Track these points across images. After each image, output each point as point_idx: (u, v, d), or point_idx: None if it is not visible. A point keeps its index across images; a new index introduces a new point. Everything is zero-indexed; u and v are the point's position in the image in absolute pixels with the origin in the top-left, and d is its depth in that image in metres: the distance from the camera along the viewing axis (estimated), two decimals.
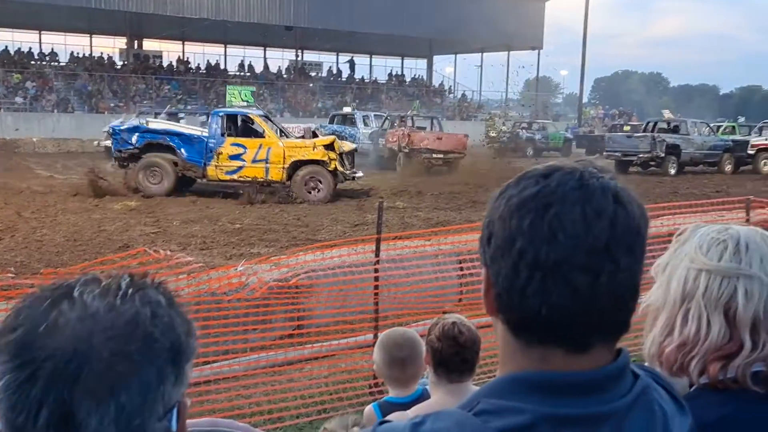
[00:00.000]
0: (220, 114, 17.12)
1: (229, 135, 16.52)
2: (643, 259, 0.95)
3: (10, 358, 0.77)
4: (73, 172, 21.05)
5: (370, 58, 52.95)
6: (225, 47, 48.52)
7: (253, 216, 13.45)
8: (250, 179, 16.16)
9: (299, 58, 50.33)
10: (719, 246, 1.28)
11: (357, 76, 51.83)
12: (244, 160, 16.23)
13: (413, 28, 42.87)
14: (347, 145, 18.35)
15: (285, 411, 4.68)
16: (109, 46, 46.66)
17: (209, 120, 17.03)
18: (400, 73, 54.19)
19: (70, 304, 0.80)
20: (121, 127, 16.59)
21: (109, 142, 20.71)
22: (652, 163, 24.39)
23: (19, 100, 35.73)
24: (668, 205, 9.37)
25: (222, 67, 47.91)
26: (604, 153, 27.09)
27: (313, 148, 16.63)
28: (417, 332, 2.86)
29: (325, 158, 16.32)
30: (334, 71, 51.85)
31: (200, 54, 48.55)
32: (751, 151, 25.50)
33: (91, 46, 45.64)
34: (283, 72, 49.27)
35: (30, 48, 43.11)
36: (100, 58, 45.03)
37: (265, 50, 49.33)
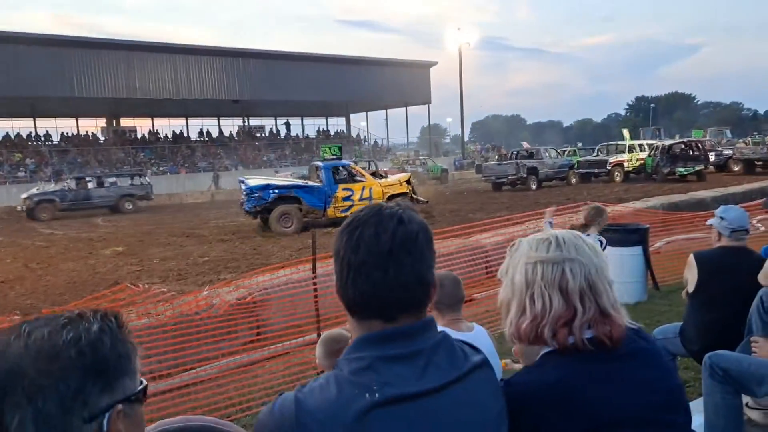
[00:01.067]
0: (330, 167, 16.60)
1: (338, 182, 16.34)
2: (424, 258, 1.11)
3: None
4: (69, 229, 20.16)
5: (302, 119, 52.73)
6: (186, 119, 47.44)
7: (218, 250, 13.14)
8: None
9: (246, 124, 49.78)
10: (545, 243, 1.34)
11: (292, 134, 51.55)
12: (353, 200, 16.12)
13: (334, 95, 43.11)
14: (404, 176, 18.25)
15: (252, 401, 4.56)
16: (93, 126, 44.96)
17: (322, 173, 16.44)
18: (325, 128, 54.16)
19: (17, 337, 0.83)
20: (256, 187, 15.70)
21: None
22: (518, 182, 24.98)
23: (21, 174, 34.08)
24: (533, 212, 9.67)
25: (185, 135, 46.84)
26: (482, 177, 27.72)
27: (400, 184, 17.10)
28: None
29: (407, 190, 17.02)
30: (274, 131, 51.42)
31: (167, 126, 47.31)
32: (608, 167, 26.48)
33: (77, 127, 43.89)
34: (234, 135, 48.52)
35: (29, 132, 41.15)
36: (86, 135, 43.32)
37: (218, 119, 48.50)
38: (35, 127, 41.67)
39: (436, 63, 50.45)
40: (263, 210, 15.58)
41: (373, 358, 1.05)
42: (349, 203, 16.03)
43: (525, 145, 39.10)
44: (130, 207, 26.46)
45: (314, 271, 5.36)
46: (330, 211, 15.95)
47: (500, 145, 56.18)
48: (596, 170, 26.83)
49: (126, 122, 45.96)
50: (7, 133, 40.15)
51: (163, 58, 36.85)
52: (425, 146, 56.87)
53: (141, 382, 0.91)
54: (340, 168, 16.97)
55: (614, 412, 1.21)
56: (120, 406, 0.86)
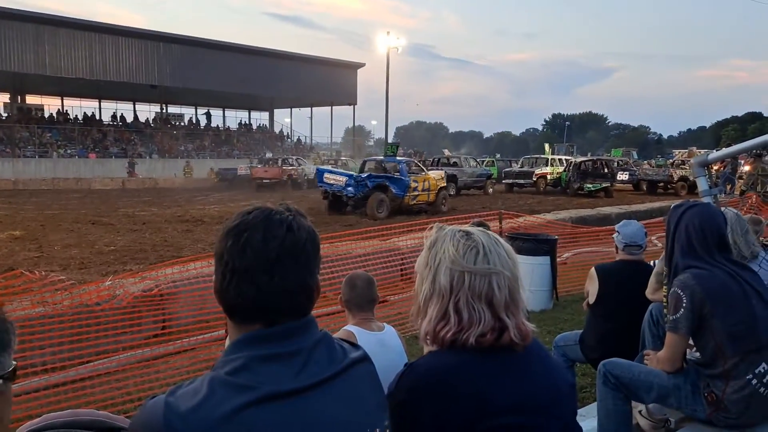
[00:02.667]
0: (404, 162, 19.40)
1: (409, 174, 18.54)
2: (310, 265, 1.11)
3: None
4: None
5: (223, 110, 51.37)
6: (99, 101, 45.11)
7: (126, 240, 12.57)
8: (422, 202, 18.37)
9: (164, 111, 47.94)
10: (472, 251, 1.34)
11: (213, 124, 50.17)
12: (418, 191, 18.39)
13: (258, 88, 42.26)
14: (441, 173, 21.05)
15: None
16: None
17: (401, 167, 18.65)
18: (247, 122, 53.08)
19: None
20: (360, 176, 17.69)
21: None
22: None
23: None
24: (448, 218, 9.87)
25: (98, 117, 44.51)
26: None
27: (443, 178, 19.98)
28: None
29: (446, 183, 20.16)
30: (194, 121, 49.84)
31: (78, 107, 44.77)
32: (534, 178, 27.83)
33: None
34: (151, 122, 46.60)
35: None
36: None
37: (134, 104, 46.45)
38: None
39: (363, 65, 50.62)
40: (363, 197, 17.26)
41: (249, 357, 1.04)
42: (416, 193, 18.36)
43: (446, 152, 39.87)
44: None
45: None
46: (406, 200, 17.91)
47: (423, 151, 57.06)
48: (522, 181, 28.18)
49: (32, 99, 43.09)
50: None
51: (78, 35, 34.81)
52: (349, 147, 56.79)
53: (13, 362, 0.92)
54: (410, 163, 19.94)
55: (508, 399, 1.27)
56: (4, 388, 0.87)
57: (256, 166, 31.36)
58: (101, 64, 35.77)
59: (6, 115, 40.37)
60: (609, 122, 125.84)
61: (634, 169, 31.11)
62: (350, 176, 17.57)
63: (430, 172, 20.14)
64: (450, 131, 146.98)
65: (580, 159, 29.88)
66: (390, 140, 48.34)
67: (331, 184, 17.71)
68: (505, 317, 1.30)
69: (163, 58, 38.10)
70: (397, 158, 19.97)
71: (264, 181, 29.27)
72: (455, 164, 27.53)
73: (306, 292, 1.11)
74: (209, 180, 34.65)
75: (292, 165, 31.35)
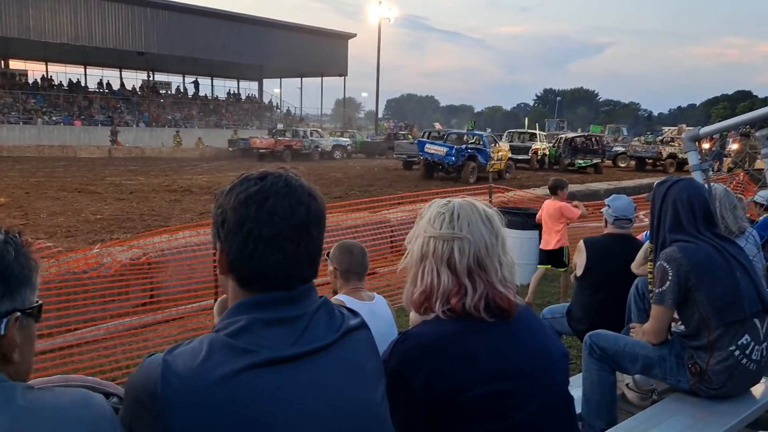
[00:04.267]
0: (486, 136, 22.82)
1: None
2: (324, 232, 1.13)
3: None
4: None
5: (212, 79, 50.65)
6: (85, 68, 44.29)
7: (113, 208, 12.48)
8: (495, 170, 20.36)
9: (151, 78, 47.19)
10: (440, 217, 1.39)
11: (201, 94, 49.55)
12: (494, 160, 21.21)
13: (247, 57, 41.64)
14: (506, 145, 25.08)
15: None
16: None
17: (483, 140, 21.86)
18: (236, 92, 52.46)
19: None
20: (459, 147, 20.55)
21: None
22: None
23: None
24: (440, 190, 9.87)
25: (83, 84, 43.77)
26: (394, 155, 27.95)
27: (508, 150, 23.53)
28: None
29: (510, 154, 23.47)
30: (182, 90, 49.16)
31: (63, 73, 43.94)
32: (529, 154, 27.26)
33: None
34: (138, 89, 45.92)
35: None
36: None
37: (120, 71, 45.61)
38: None
39: (354, 35, 49.98)
40: (461, 165, 20.11)
41: (251, 320, 1.03)
42: (493, 162, 21.02)
43: (437, 126, 39.76)
44: None
45: None
46: (488, 168, 20.05)
47: (413, 124, 56.84)
48: (520, 156, 26.93)
49: (16, 65, 42.24)
50: None
51: None
52: (339, 119, 56.53)
53: (37, 300, 0.96)
54: (485, 136, 22.68)
55: (497, 366, 1.30)
56: (18, 314, 0.91)
57: (272, 137, 32.02)
58: (87, 29, 35.00)
59: None
60: (600, 98, 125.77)
61: (618, 145, 31.31)
62: (451, 147, 20.47)
63: (500, 145, 22.97)
64: (441, 104, 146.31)
65: (571, 135, 29.85)
66: (381, 113, 48.05)
67: (432, 154, 20.69)
68: (467, 282, 1.33)
69: (151, 24, 37.36)
70: (479, 132, 24.46)
71: (261, 150, 30.12)
72: (445, 138, 27.42)
73: (318, 257, 1.13)
74: (197, 149, 34.35)
75: (301, 137, 32.33)
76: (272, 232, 1.04)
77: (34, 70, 42.97)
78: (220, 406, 0.96)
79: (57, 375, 1.43)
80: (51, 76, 42.92)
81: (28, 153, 29.06)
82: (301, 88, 53.43)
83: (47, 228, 10.07)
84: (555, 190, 6.19)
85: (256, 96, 53.48)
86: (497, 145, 22.56)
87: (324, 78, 49.55)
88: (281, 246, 1.05)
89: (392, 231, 7.98)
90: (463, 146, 20.98)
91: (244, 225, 1.05)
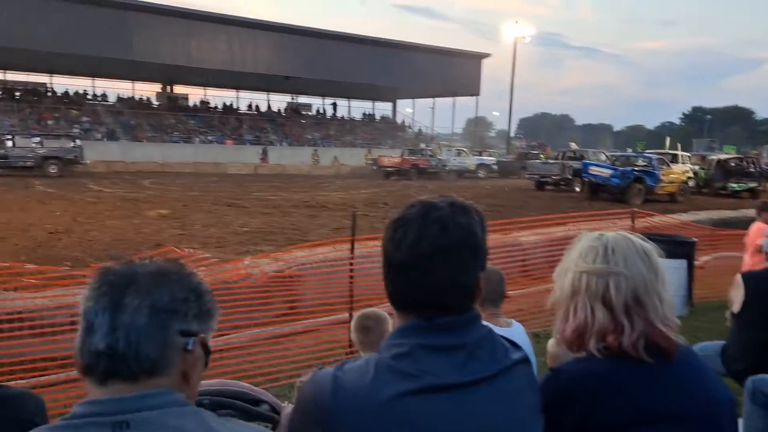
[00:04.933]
0: (654, 157, 22.00)
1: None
2: (465, 265, 1.09)
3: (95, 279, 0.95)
4: (117, 188, 20.72)
5: (349, 101, 52.80)
6: (237, 92, 48.05)
7: (258, 222, 13.33)
8: (666, 192, 20.60)
9: (294, 101, 50.14)
10: (593, 251, 1.33)
11: (338, 114, 51.77)
12: (664, 182, 20.71)
13: (382, 79, 42.94)
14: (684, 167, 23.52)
15: (281, 373, 4.64)
16: (148, 90, 46.03)
17: (651, 162, 21.32)
18: (371, 113, 54.19)
19: (143, 260, 0.99)
20: (626, 169, 20.57)
21: None
22: (562, 183, 24.52)
23: (75, 130, 34.98)
24: (575, 214, 9.50)
25: (235, 107, 47.48)
26: (526, 175, 27.34)
27: (686, 172, 22.39)
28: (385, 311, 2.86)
29: (687, 177, 22.33)
30: (321, 111, 51.70)
31: (218, 96, 48.06)
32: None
33: (133, 90, 44.97)
34: (282, 111, 48.99)
35: (85, 90, 42.31)
36: (141, 99, 44.40)
37: (268, 94, 48.97)
38: (93, 86, 42.82)
39: (489, 55, 49.80)
40: (626, 187, 19.73)
41: (414, 345, 1.07)
42: (663, 184, 20.65)
43: (573, 145, 38.31)
44: (55, 171, 24.03)
45: (352, 252, 5.39)
46: (656, 190, 20.19)
47: (547, 143, 55.26)
48: None
49: (179, 89, 46.80)
50: (67, 90, 41.43)
51: (221, 29, 37.24)
52: (469, 138, 56.39)
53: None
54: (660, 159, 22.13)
55: (659, 408, 1.22)
56: (203, 336, 0.96)
57: (406, 156, 32.73)
58: (240, 56, 38.07)
59: (157, 103, 44.21)
60: (757, 117, 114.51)
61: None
62: (615, 169, 20.40)
63: (673, 167, 22.06)
64: (576, 123, 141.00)
65: (723, 156, 27.38)
66: (513, 132, 47.33)
67: (596, 175, 20.70)
68: (623, 319, 1.26)
69: (296, 50, 39.76)
70: (648, 154, 23.69)
71: (388, 169, 30.96)
72: (582, 158, 26.38)
73: (460, 289, 1.10)
74: (333, 167, 35.87)
75: (426, 155, 32.86)
76: (399, 260, 1.09)
77: (194, 94, 47.39)
78: (385, 426, 1.00)
79: (216, 379, 1.55)
80: (208, 100, 47.07)
81: (186, 169, 31.92)
82: (433, 108, 54.09)
83: (201, 238, 10.96)
84: (761, 212, 6.02)
85: (390, 116, 54.85)
86: (668, 167, 21.83)
87: (456, 98, 49.74)
88: (406, 273, 1.08)
89: (524, 254, 7.78)
90: (629, 168, 20.76)
91: (383, 248, 1.12)
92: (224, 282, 5.18)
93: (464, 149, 37.36)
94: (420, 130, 54.32)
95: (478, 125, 58.78)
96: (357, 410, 1.01)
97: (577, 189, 23.91)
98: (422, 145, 38.38)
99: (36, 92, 40.17)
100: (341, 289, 5.57)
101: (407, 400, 1.01)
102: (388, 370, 1.04)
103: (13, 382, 3.32)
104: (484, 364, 1.08)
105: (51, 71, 40.51)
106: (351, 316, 5.19)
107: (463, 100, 52.07)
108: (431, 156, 33.04)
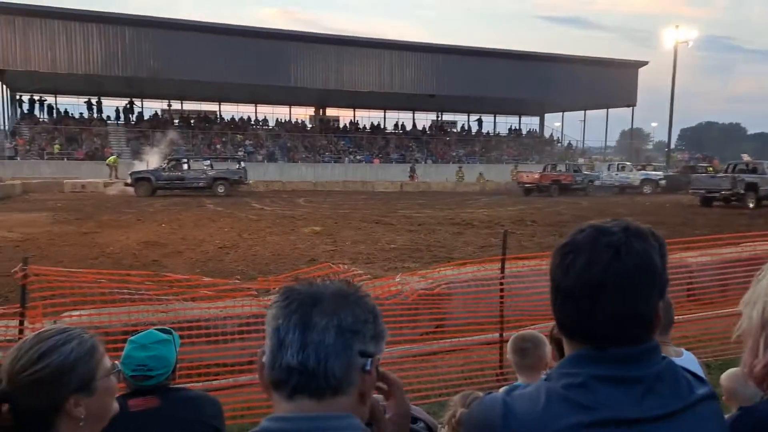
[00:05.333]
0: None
1: None
2: (640, 293, 1.03)
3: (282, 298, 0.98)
4: (276, 206, 22.23)
5: (494, 116, 52.40)
6: (384, 112, 49.69)
7: (404, 239, 13.59)
8: None
9: (439, 119, 50.70)
10: None
11: (483, 131, 51.49)
12: None
13: (529, 93, 42.15)
14: None
15: (430, 391, 4.66)
16: (303, 114, 49.22)
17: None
18: (517, 127, 53.24)
19: (322, 280, 1.02)
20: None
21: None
22: (733, 198, 22.31)
23: (240, 153, 38.21)
24: (749, 234, 8.57)
25: (382, 126, 49.09)
26: (690, 190, 25.21)
27: None
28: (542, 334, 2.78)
29: None
30: (466, 127, 51.74)
31: (366, 117, 50.05)
32: None
33: (290, 114, 48.28)
34: (427, 129, 49.77)
35: (248, 116, 46.17)
36: (296, 122, 47.51)
37: (413, 113, 50.06)
38: (255, 112, 46.64)
39: (646, 63, 46.85)
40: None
41: (588, 376, 1.02)
42: None
43: (745, 157, 34.62)
44: (222, 191, 26.44)
45: (502, 271, 5.30)
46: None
47: (713, 156, 50.58)
48: None
49: (331, 112, 49.46)
50: (233, 116, 45.56)
51: (370, 53, 38.85)
52: (624, 151, 53.26)
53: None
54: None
55: None
56: (379, 358, 0.99)
57: (542, 172, 31.66)
58: (388, 77, 39.43)
59: (311, 126, 47.05)
60: None
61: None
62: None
63: None
64: (749, 132, 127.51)
65: None
66: (672, 143, 43.99)
67: None
68: None
69: (441, 68, 40.33)
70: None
71: (526, 185, 30.02)
72: (754, 170, 23.80)
73: (635, 320, 1.04)
74: (478, 184, 35.65)
75: (570, 170, 31.52)
76: (567, 287, 1.04)
77: (344, 116, 49.77)
78: None
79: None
80: (357, 121, 49.16)
81: (336, 188, 33.47)
82: (584, 120, 51.91)
83: (351, 254, 11.41)
84: None
85: (537, 130, 53.52)
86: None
87: (609, 109, 47.35)
88: (575, 302, 1.04)
89: (690, 276, 7.16)
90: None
91: (551, 273, 1.09)
92: (376, 298, 5.31)
93: (627, 163, 35.15)
94: (570, 143, 52.37)
95: (634, 137, 55.32)
96: None
97: (751, 205, 21.61)
98: (567, 161, 36.78)
99: (207, 119, 44.59)
100: (490, 309, 5.49)
101: None
102: (560, 399, 1.01)
103: (190, 385, 3.64)
104: (666, 399, 1.01)
105: (220, 100, 44.79)
106: (501, 336, 5.09)
107: (616, 112, 49.45)
108: (576, 171, 31.52)
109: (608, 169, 34.01)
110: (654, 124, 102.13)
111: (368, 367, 0.96)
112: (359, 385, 0.96)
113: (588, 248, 1.04)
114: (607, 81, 43.42)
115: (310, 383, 0.93)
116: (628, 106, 46.33)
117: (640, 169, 33.63)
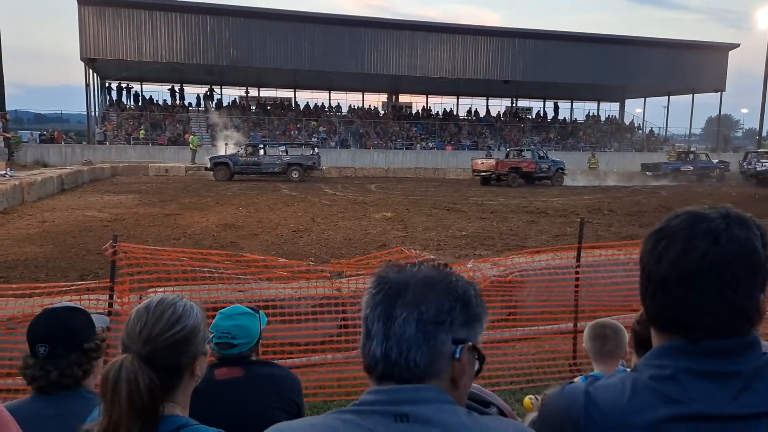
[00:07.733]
0: None
1: None
2: (740, 284, 0.96)
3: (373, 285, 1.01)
4: (348, 192, 22.50)
5: (571, 102, 50.77)
6: (457, 98, 49.15)
7: (475, 226, 13.45)
8: None
9: (514, 105, 49.66)
10: None
11: (559, 117, 50.06)
12: None
13: (608, 78, 40.56)
14: None
15: (501, 378, 4.62)
16: (375, 100, 49.46)
17: None
18: (595, 113, 51.41)
19: (411, 267, 1.03)
20: None
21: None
22: None
23: (314, 139, 38.85)
24: None
25: (455, 113, 48.61)
26: None
27: None
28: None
29: None
30: (541, 114, 50.45)
31: (439, 103, 49.71)
32: None
33: (363, 101, 48.62)
34: (501, 116, 48.87)
35: (322, 103, 46.88)
36: (369, 109, 47.80)
37: (487, 99, 49.25)
38: (329, 99, 47.26)
39: (737, 46, 43.99)
40: None
41: (678, 368, 0.98)
42: None
43: None
44: (296, 176, 26.88)
45: (578, 260, 5.15)
46: None
47: None
48: None
49: (403, 98, 49.42)
50: (307, 103, 46.37)
51: (443, 38, 38.42)
52: (709, 139, 50.42)
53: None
54: None
55: None
56: (471, 344, 0.99)
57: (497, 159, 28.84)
58: (462, 63, 38.89)
59: (383, 112, 47.21)
60: None
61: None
62: None
63: None
64: None
65: None
66: (765, 131, 41.24)
67: None
68: None
69: (516, 54, 39.40)
70: None
71: (481, 174, 27.64)
72: None
73: (733, 311, 0.98)
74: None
75: (528, 157, 28.63)
76: (660, 275, 1.00)
77: (417, 102, 49.59)
78: None
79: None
80: (429, 107, 48.90)
81: (408, 174, 33.48)
82: (667, 106, 49.50)
83: (422, 241, 11.40)
84: None
85: (616, 117, 51.52)
86: None
87: (695, 94, 44.91)
88: (668, 290, 0.99)
89: None
90: None
91: (641, 261, 1.04)
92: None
93: (706, 153, 33.04)
94: (651, 130, 50.12)
95: (722, 124, 52.26)
96: (610, 428, 0.96)
97: None
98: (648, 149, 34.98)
99: (282, 106, 45.57)
100: (564, 298, 5.36)
101: (672, 427, 0.93)
102: (648, 391, 0.97)
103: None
104: (765, 396, 0.95)
105: (295, 87, 45.67)
106: (575, 326, 4.97)
107: (703, 97, 46.82)
108: (542, 157, 28.45)
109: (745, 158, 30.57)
110: (744, 111, 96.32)
111: (458, 355, 0.96)
112: (449, 372, 0.96)
113: (684, 234, 0.99)
114: (693, 65, 41.17)
115: (394, 372, 0.96)
116: (716, 91, 43.77)
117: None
